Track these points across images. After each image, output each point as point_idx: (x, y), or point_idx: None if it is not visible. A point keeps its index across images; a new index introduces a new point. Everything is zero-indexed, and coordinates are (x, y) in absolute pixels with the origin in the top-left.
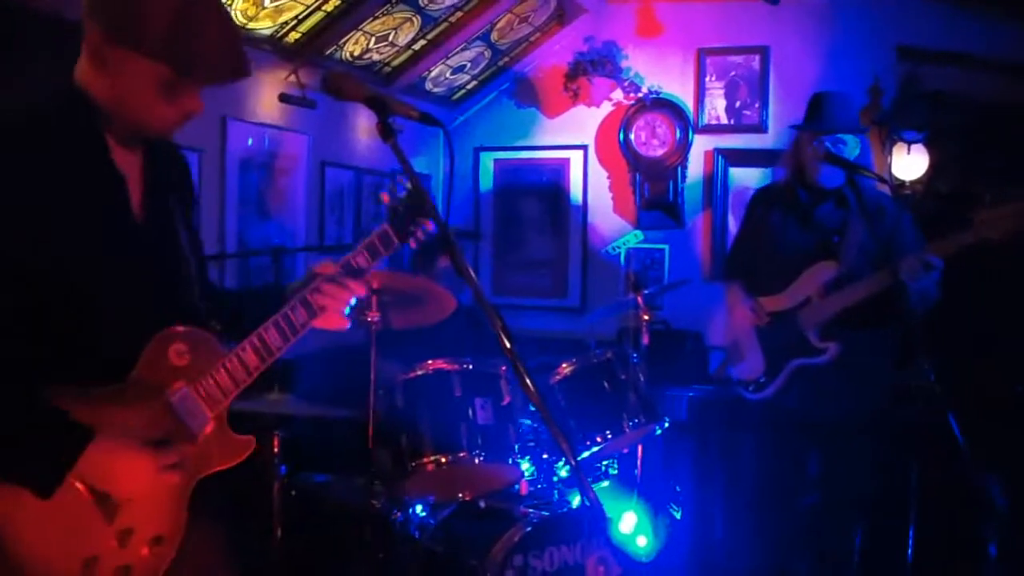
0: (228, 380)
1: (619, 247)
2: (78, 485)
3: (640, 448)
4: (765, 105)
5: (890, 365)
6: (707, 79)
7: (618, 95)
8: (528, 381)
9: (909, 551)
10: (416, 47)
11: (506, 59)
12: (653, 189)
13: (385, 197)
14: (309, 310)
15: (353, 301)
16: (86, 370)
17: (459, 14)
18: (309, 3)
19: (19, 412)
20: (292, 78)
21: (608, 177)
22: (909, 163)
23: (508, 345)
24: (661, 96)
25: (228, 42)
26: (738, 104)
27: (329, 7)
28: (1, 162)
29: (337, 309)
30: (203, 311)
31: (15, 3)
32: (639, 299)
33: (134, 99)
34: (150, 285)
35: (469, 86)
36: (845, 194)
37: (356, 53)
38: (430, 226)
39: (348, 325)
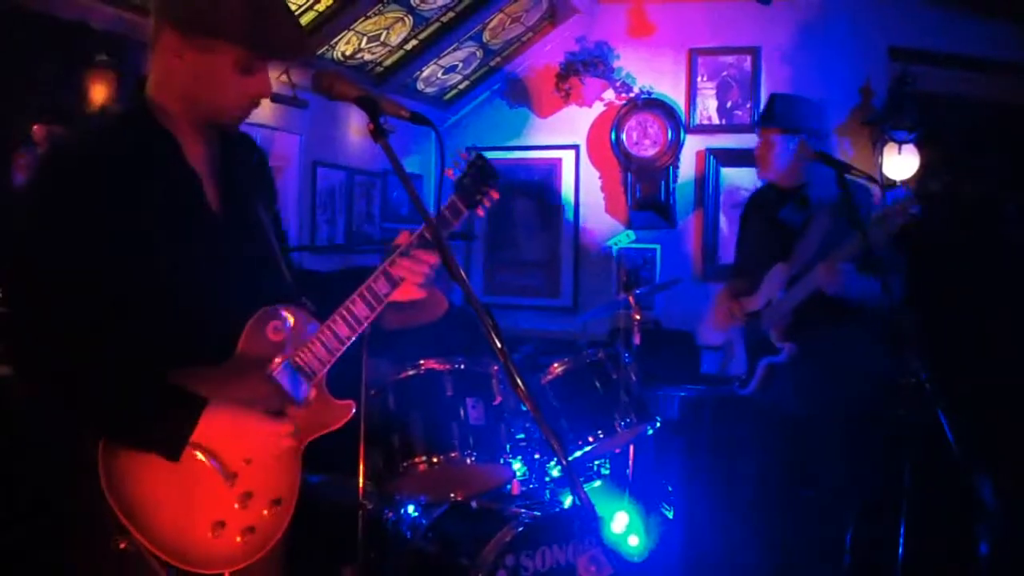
0: (323, 350)
1: (617, 243)
2: (199, 455)
3: (632, 448)
4: (756, 105)
5: (866, 359)
6: (699, 79)
7: (610, 95)
8: (519, 380)
9: (900, 550)
10: (408, 47)
11: (498, 59)
12: (645, 189)
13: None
14: (390, 281)
15: (428, 271)
16: (192, 355)
17: (451, 14)
18: (301, 2)
19: (140, 388)
20: (284, 78)
21: (600, 177)
22: (900, 163)
23: (499, 345)
24: (653, 96)
25: (293, 22)
26: (729, 104)
27: (321, 7)
28: (84, 179)
29: (413, 280)
30: (294, 290)
31: (12, 4)
32: (631, 299)
33: (212, 85)
34: (238, 272)
35: (461, 86)
36: (805, 194)
37: (348, 53)
38: (495, 194)
39: (425, 295)
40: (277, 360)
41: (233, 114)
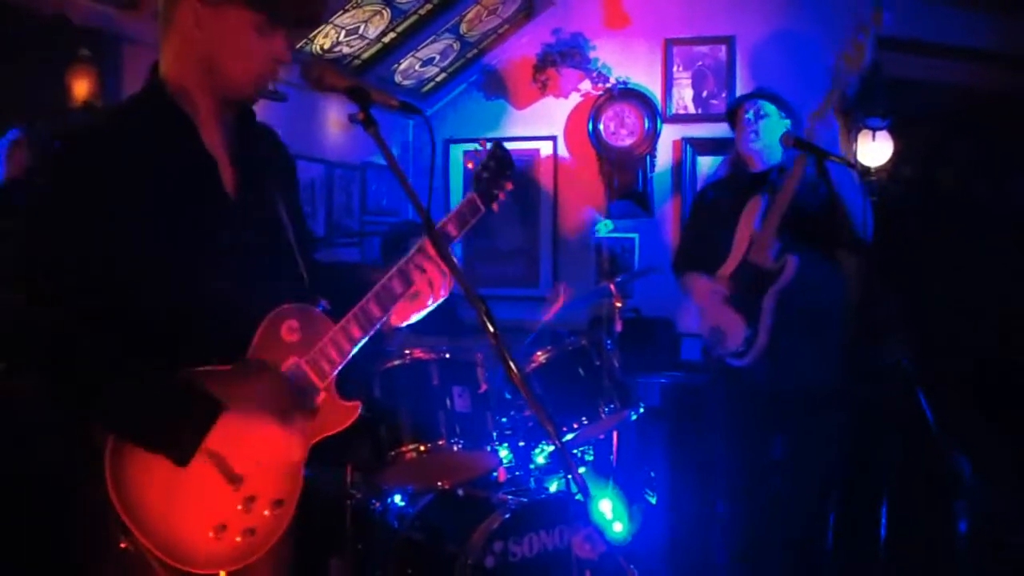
0: (335, 352)
1: (598, 231)
2: (206, 457)
3: (615, 434)
4: (732, 94)
5: (841, 340)
6: (674, 69)
7: (586, 86)
8: (512, 365)
9: (882, 530)
10: (386, 40)
11: (475, 51)
12: (622, 179)
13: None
14: (404, 280)
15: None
16: (202, 350)
17: (428, 6)
18: None
19: (153, 386)
20: None
21: (577, 167)
22: (874, 150)
23: (492, 330)
24: (629, 87)
25: None
26: (705, 94)
27: None
28: (96, 163)
29: (426, 290)
30: (307, 283)
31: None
32: (611, 286)
33: (232, 49)
34: (252, 262)
35: (438, 78)
36: (779, 172)
37: (326, 46)
38: (510, 186)
39: (445, 295)
40: (291, 361)
41: (253, 81)
